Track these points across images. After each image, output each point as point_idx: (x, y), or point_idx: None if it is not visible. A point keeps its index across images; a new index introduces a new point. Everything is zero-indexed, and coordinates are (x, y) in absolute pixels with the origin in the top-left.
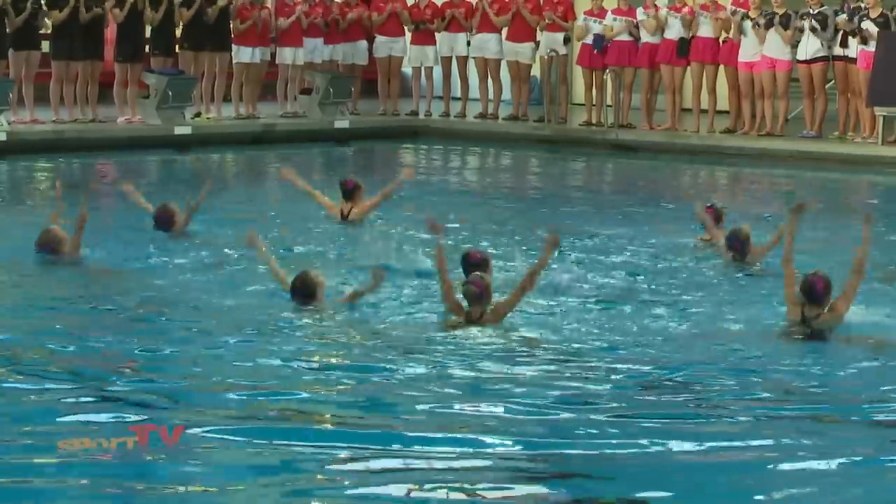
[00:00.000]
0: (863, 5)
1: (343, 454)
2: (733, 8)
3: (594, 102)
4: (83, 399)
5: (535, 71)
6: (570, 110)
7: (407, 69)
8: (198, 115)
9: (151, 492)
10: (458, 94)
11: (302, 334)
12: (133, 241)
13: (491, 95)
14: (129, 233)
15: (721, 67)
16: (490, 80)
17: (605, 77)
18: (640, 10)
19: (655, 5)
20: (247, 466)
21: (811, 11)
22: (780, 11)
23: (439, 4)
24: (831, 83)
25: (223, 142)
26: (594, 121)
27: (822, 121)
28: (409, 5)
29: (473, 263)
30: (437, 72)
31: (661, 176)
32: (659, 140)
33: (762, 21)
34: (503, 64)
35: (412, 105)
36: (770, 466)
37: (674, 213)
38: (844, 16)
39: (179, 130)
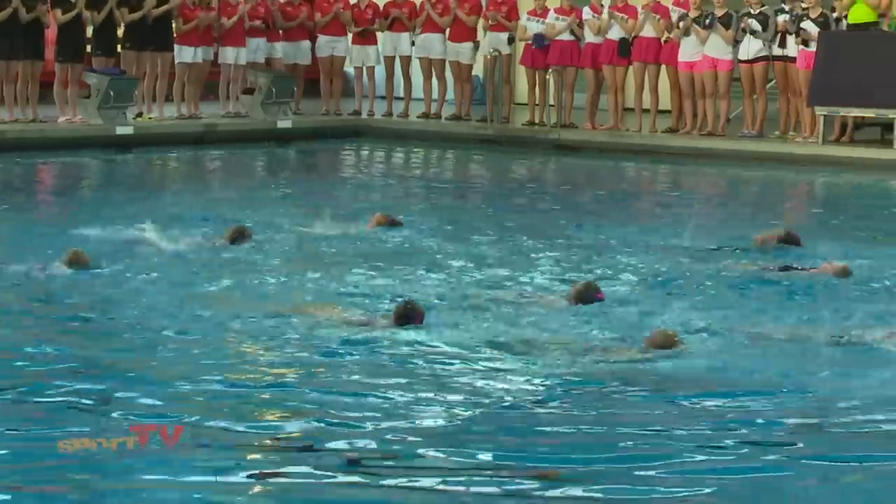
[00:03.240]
0: (803, 5)
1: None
2: (675, 8)
3: (537, 102)
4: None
5: (478, 71)
6: (512, 110)
7: (349, 69)
8: (139, 115)
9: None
10: (401, 94)
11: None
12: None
13: (435, 95)
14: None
15: (663, 67)
16: (434, 80)
17: (547, 77)
18: (585, 10)
19: (602, 4)
20: None
21: (752, 12)
22: (721, 12)
23: (381, 6)
24: (772, 83)
25: (165, 142)
26: (537, 120)
27: (763, 120)
28: (351, 5)
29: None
30: (380, 71)
31: (605, 175)
32: (602, 140)
33: (704, 21)
34: (447, 64)
35: (355, 105)
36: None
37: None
38: (785, 16)
39: (121, 130)
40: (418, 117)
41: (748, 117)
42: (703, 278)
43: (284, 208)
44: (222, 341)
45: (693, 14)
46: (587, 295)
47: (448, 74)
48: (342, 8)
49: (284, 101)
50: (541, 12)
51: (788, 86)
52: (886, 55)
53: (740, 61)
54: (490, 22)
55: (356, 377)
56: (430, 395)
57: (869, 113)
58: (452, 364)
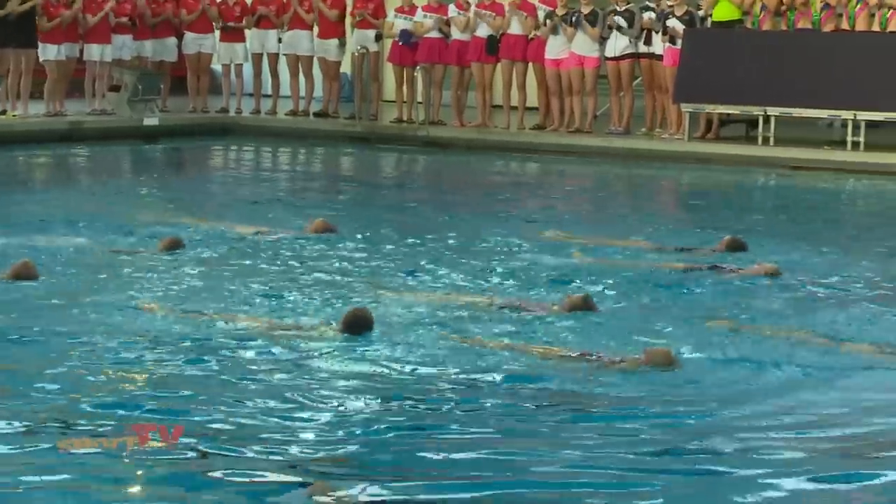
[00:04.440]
0: (668, 3)
1: None
2: (542, 6)
3: (405, 99)
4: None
5: (346, 68)
6: (381, 107)
7: (217, 66)
8: (3, 112)
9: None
10: (269, 92)
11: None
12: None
13: (303, 92)
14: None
15: (530, 65)
16: (302, 77)
17: (415, 74)
18: (451, 7)
19: (468, 2)
20: None
21: (618, 9)
22: (588, 9)
23: (249, 3)
24: (638, 80)
25: (30, 140)
26: (405, 118)
27: (630, 117)
28: (218, 2)
29: None
30: (248, 69)
31: (474, 173)
32: (470, 137)
33: (570, 19)
34: (315, 61)
35: (222, 102)
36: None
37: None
38: (651, 13)
39: None
40: (286, 115)
41: (615, 114)
42: (632, 278)
43: (174, 211)
44: (132, 351)
45: (560, 12)
46: (584, 308)
47: (316, 71)
48: (209, 5)
49: (151, 98)
50: (408, 9)
51: (654, 83)
52: (750, 52)
53: (607, 58)
54: (357, 19)
55: (301, 384)
56: (386, 404)
57: (734, 110)
58: (411, 373)
